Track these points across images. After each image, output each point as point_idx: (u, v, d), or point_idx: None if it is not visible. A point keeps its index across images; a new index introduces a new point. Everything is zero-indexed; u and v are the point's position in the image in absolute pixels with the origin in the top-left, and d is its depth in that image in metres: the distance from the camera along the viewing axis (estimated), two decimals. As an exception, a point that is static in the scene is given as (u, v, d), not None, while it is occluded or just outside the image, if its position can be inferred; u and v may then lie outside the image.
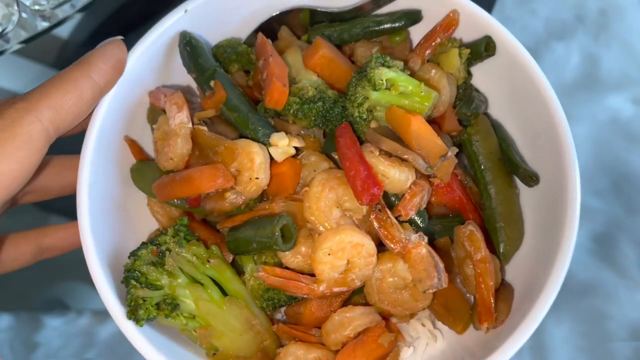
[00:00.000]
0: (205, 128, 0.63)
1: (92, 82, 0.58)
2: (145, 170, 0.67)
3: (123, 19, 0.75)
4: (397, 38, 0.72)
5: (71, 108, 0.56)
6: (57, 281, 0.80)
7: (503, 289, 0.63)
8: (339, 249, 0.57)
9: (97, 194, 0.61)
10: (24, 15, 0.75)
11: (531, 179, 0.65)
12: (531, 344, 0.84)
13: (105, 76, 0.59)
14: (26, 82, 0.97)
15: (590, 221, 0.92)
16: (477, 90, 0.71)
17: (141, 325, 0.55)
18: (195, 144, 0.63)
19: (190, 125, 0.63)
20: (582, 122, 0.97)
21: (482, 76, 0.71)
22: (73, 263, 0.70)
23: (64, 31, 0.95)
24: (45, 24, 0.77)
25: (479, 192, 0.66)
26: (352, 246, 0.57)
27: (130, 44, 0.64)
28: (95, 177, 0.61)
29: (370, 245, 0.58)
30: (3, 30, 0.73)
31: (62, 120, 0.55)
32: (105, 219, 0.62)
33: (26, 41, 0.77)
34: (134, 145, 0.68)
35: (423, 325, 0.66)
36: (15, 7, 0.74)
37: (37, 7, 0.76)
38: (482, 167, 0.66)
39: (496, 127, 0.69)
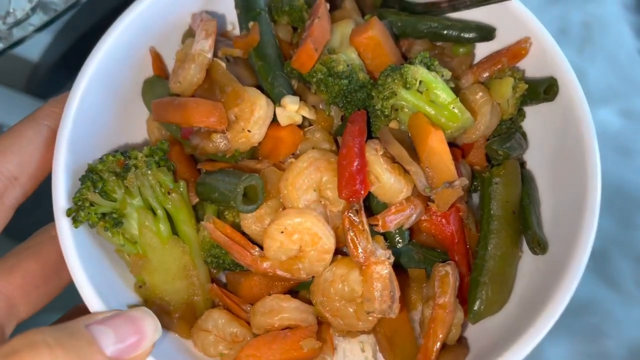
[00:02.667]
0: (223, 64, 0.60)
1: (34, 124, 0.56)
2: (157, 86, 0.65)
3: (94, 41, 0.71)
4: (462, 50, 0.65)
5: (9, 149, 0.54)
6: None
7: (456, 347, 0.56)
8: (294, 230, 0.52)
9: (88, 109, 0.57)
10: None
11: (539, 246, 0.57)
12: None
13: (57, 117, 0.56)
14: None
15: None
16: (522, 134, 0.64)
17: (76, 226, 0.53)
18: (208, 77, 0.60)
19: (209, 55, 0.60)
20: None
21: (536, 120, 0.64)
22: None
23: (34, 54, 0.90)
24: (0, 45, 0.74)
25: (479, 238, 0.59)
26: (309, 235, 0.53)
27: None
28: (92, 94, 0.58)
29: (328, 242, 0.53)
30: None
31: (3, 161, 0.54)
32: (88, 134, 0.58)
33: None
34: (157, 59, 0.66)
35: (363, 350, 0.59)
36: None
37: None
38: (491, 212, 0.58)
39: (527, 179, 0.62)
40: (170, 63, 0.67)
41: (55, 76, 0.95)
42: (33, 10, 0.72)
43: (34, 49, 0.87)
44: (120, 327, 0.45)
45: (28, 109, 0.96)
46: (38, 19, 0.75)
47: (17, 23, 0.72)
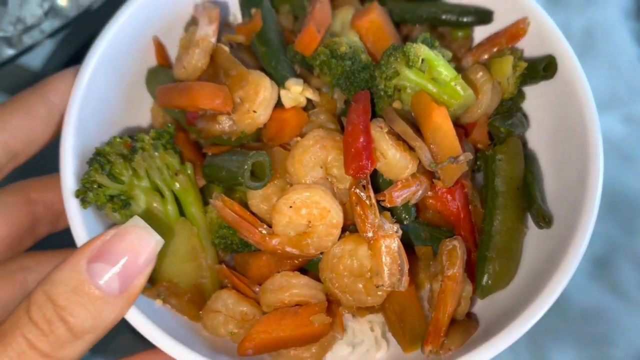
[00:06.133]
0: (227, 49, 0.61)
1: (45, 101, 0.56)
2: (160, 74, 0.65)
3: None
4: (460, 34, 0.67)
5: (20, 124, 0.54)
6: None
7: (465, 321, 0.56)
8: (302, 205, 0.53)
9: (94, 95, 0.58)
10: None
11: (544, 220, 0.57)
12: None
13: (64, 96, 0.57)
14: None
15: (588, 244, 0.85)
16: (523, 113, 0.65)
17: (85, 207, 0.53)
18: (212, 63, 0.61)
19: (213, 40, 0.61)
20: None
21: (535, 101, 0.65)
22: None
23: (35, 62, 0.89)
24: (11, 52, 0.72)
25: (484, 214, 0.60)
26: (317, 208, 0.53)
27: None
28: (97, 80, 0.58)
29: (337, 216, 0.53)
30: None
31: (11, 137, 0.54)
32: (94, 119, 0.59)
33: None
34: (160, 48, 0.66)
35: (372, 330, 0.59)
36: None
37: (1, 34, 0.70)
38: (496, 188, 0.59)
39: (529, 157, 0.63)
40: (173, 54, 0.68)
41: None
42: (45, 15, 0.72)
43: (36, 57, 0.86)
44: (113, 248, 0.43)
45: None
46: (49, 25, 0.75)
47: (28, 29, 0.71)
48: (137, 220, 0.46)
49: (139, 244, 0.44)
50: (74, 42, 0.91)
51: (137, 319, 0.50)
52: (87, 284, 0.42)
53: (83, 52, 0.87)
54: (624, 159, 0.92)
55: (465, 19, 0.65)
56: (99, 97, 0.59)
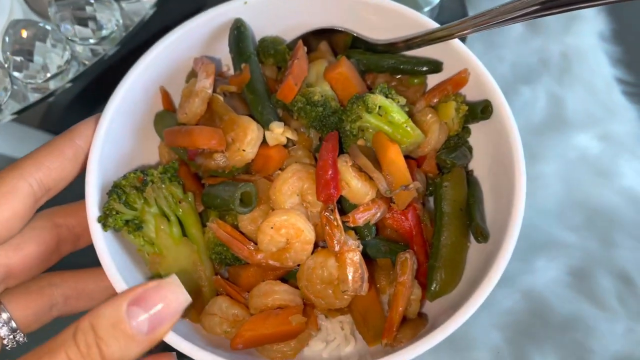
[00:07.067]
0: (221, 98, 0.74)
1: (73, 144, 0.67)
2: (166, 117, 0.78)
3: (102, 86, 0.78)
4: (416, 80, 0.80)
5: (53, 164, 0.65)
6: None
7: (416, 320, 0.68)
8: (281, 226, 0.65)
9: (111, 137, 0.70)
10: (15, 87, 0.77)
11: (481, 236, 0.69)
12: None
13: (88, 139, 0.68)
14: (11, 143, 1.01)
15: (566, 256, 0.92)
16: (468, 147, 0.77)
17: (105, 230, 0.66)
18: (209, 109, 0.74)
19: (210, 91, 0.74)
20: (553, 161, 0.99)
21: (479, 135, 0.77)
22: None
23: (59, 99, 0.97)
24: (37, 95, 0.81)
25: (433, 231, 0.72)
26: (293, 229, 0.65)
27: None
28: (114, 125, 0.70)
29: (309, 235, 0.66)
30: None
31: (46, 175, 0.64)
32: (112, 157, 0.71)
33: (18, 112, 0.80)
34: (165, 95, 0.79)
35: (342, 328, 0.72)
36: (8, 80, 0.76)
37: (29, 81, 0.78)
38: (443, 210, 0.71)
39: (472, 183, 0.75)
40: (176, 99, 0.81)
41: (67, 114, 1.08)
42: (67, 63, 0.85)
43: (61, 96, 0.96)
44: (150, 297, 0.52)
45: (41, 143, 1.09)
46: (72, 72, 0.87)
47: (53, 76, 0.82)
48: (174, 279, 0.53)
49: (172, 299, 0.53)
50: (82, 79, 1.04)
51: (150, 320, 0.62)
52: (123, 323, 0.50)
53: (89, 88, 0.99)
54: (600, 174, 0.98)
55: (419, 69, 0.78)
56: (115, 139, 0.72)
